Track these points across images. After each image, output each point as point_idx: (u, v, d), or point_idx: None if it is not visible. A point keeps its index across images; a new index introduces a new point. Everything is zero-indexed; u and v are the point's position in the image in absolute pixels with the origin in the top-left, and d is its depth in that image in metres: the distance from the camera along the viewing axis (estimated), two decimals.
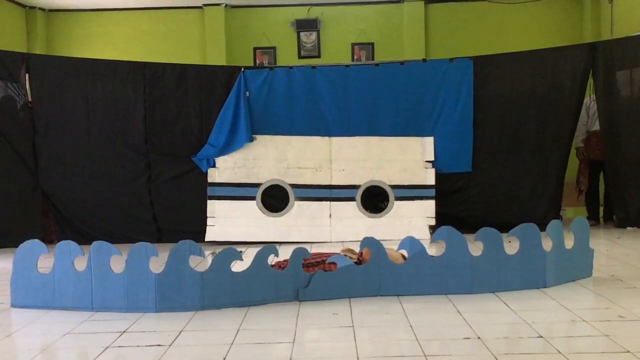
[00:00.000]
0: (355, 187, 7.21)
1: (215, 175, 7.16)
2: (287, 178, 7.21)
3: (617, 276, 4.89)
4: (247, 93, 7.35)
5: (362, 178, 7.23)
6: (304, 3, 10.35)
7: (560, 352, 3.15)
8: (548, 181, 7.44)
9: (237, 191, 7.14)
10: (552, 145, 7.42)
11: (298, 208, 7.17)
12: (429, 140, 7.28)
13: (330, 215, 7.17)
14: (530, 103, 7.44)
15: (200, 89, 7.43)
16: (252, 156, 7.19)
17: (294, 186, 7.19)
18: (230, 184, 7.15)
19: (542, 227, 4.58)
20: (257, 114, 7.33)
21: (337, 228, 7.12)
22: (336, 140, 7.28)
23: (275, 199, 7.26)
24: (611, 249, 6.16)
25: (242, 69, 7.42)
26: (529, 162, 7.43)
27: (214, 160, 7.20)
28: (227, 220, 7.10)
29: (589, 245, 4.82)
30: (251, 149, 7.21)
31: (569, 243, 4.68)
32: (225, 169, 7.18)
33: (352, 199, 7.20)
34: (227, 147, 7.22)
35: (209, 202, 7.14)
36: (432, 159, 7.26)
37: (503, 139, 7.45)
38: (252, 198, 7.16)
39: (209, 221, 7.11)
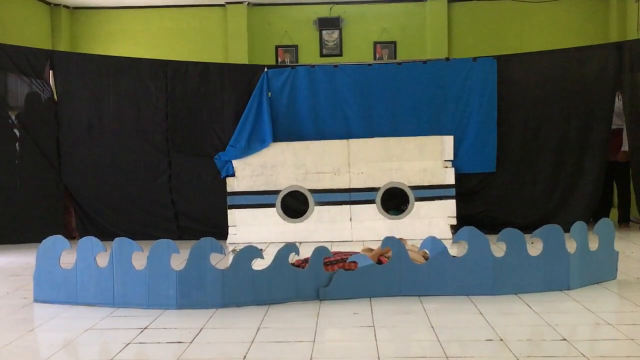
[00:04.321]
0: (374, 189, 7.17)
1: (234, 184, 7.13)
2: (306, 183, 7.17)
3: None
4: (269, 94, 7.34)
5: (381, 180, 7.17)
6: (326, 1, 10.33)
7: (584, 356, 3.11)
8: (574, 183, 7.35)
9: (257, 199, 7.11)
10: (579, 147, 7.33)
11: (318, 213, 7.14)
12: (449, 139, 7.19)
13: (350, 219, 7.13)
14: (555, 103, 7.36)
15: (222, 88, 7.44)
16: (270, 163, 7.15)
17: (313, 191, 7.16)
18: (250, 192, 7.13)
19: (567, 228, 4.53)
20: (280, 113, 7.33)
21: (358, 231, 7.07)
22: (354, 143, 7.21)
23: (296, 199, 7.24)
24: (636, 251, 6.07)
25: (265, 69, 7.41)
26: (553, 163, 7.35)
27: (233, 168, 7.17)
28: (248, 228, 7.07)
29: (614, 247, 4.76)
30: (269, 156, 7.15)
31: (593, 245, 4.62)
32: (243, 177, 7.15)
33: (372, 201, 7.15)
34: (249, 149, 7.17)
35: (229, 211, 7.10)
36: (451, 158, 7.18)
37: (527, 139, 7.37)
38: (272, 205, 7.13)
39: (231, 230, 7.08)
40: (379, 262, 4.56)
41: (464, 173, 7.28)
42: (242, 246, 4.77)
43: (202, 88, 7.44)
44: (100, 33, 10.60)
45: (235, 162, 7.15)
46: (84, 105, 7.40)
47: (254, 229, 7.05)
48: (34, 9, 9.86)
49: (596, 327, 3.66)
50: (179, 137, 7.43)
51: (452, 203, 7.11)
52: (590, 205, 7.38)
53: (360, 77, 7.42)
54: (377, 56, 10.35)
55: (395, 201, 7.36)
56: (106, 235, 6.52)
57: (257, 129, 7.23)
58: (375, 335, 3.52)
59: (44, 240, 4.39)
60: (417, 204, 7.13)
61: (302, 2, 10.42)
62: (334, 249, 5.82)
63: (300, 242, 6.57)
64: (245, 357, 3.21)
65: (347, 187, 7.16)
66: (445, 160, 7.18)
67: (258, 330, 3.66)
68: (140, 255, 4.20)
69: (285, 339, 3.51)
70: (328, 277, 4.31)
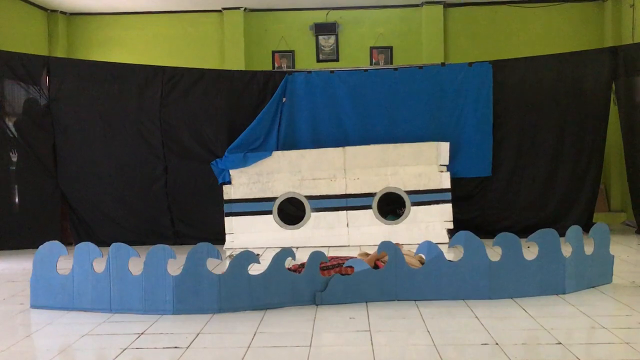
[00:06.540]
0: (371, 195, 7.17)
1: (231, 192, 7.14)
2: (303, 190, 7.17)
3: (638, 283, 4.84)
4: (284, 99, 7.36)
5: (377, 185, 7.18)
6: (322, 7, 10.35)
7: (579, 359, 3.12)
8: (570, 187, 7.38)
9: (254, 206, 7.12)
10: (575, 151, 7.36)
11: (315, 219, 7.14)
12: (444, 144, 7.21)
13: (347, 225, 7.13)
14: (550, 108, 7.39)
15: (218, 94, 7.45)
16: (266, 171, 7.16)
17: (309, 198, 7.16)
18: (246, 199, 7.13)
19: (563, 232, 4.55)
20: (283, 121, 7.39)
21: (355, 236, 7.07)
22: (350, 150, 7.22)
23: (293, 204, 7.25)
24: (632, 255, 6.09)
25: (287, 73, 7.43)
26: (549, 168, 7.38)
27: (230, 176, 7.18)
28: (246, 236, 7.08)
29: (609, 252, 4.78)
30: (265, 163, 7.17)
31: (588, 249, 4.64)
32: (240, 185, 7.15)
33: (368, 206, 7.15)
34: (251, 158, 7.16)
35: (226, 219, 7.12)
36: (447, 162, 7.20)
37: (523, 144, 7.41)
38: (269, 212, 7.14)
39: (228, 237, 7.09)
40: (376, 266, 4.56)
41: (460, 177, 7.30)
42: (239, 252, 4.77)
43: (197, 94, 7.44)
44: (97, 39, 10.60)
45: (232, 170, 7.16)
46: (80, 111, 7.39)
47: (251, 236, 7.06)
48: (31, 14, 9.86)
49: (591, 331, 3.67)
50: (175, 143, 7.44)
51: (448, 207, 7.12)
52: (587, 210, 7.41)
53: (357, 83, 7.45)
54: (374, 61, 10.37)
55: (391, 206, 7.37)
56: (102, 241, 6.51)
57: (269, 134, 7.26)
58: (371, 340, 3.53)
59: (40, 246, 4.39)
60: (414, 208, 7.14)
61: (299, 8, 10.43)
62: (331, 253, 5.82)
63: (297, 248, 6.58)
64: None
65: (344, 193, 7.16)
66: (441, 165, 7.19)
67: (254, 335, 3.67)
68: (137, 261, 4.21)
69: (281, 344, 3.52)
70: (324, 282, 4.32)
